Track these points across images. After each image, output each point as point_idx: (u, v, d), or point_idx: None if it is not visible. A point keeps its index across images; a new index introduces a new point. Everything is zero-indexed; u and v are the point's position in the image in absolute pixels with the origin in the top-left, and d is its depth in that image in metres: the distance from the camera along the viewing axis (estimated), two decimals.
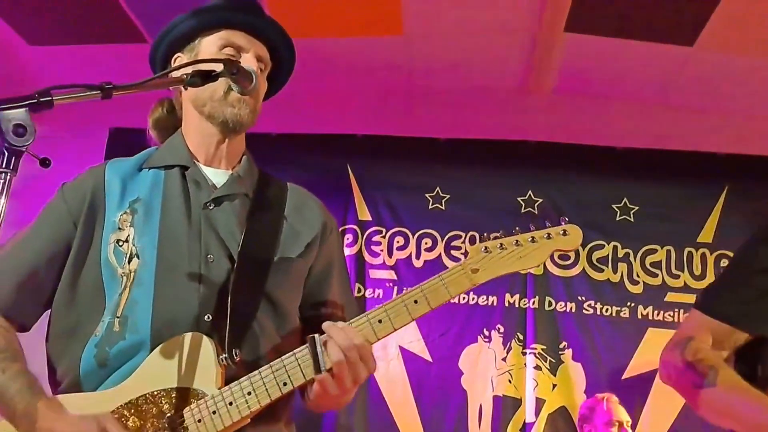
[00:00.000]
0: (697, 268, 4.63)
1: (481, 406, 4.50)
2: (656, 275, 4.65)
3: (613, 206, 4.73)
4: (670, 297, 4.60)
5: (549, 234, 1.60)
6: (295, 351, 1.52)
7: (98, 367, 1.54)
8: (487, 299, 4.65)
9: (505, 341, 4.60)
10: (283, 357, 1.52)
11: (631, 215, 4.73)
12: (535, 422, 4.42)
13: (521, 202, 4.84)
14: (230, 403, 1.47)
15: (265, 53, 1.77)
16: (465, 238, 4.81)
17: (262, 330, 1.61)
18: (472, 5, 4.09)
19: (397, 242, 4.85)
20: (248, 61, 1.68)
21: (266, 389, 1.49)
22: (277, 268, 1.66)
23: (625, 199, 4.74)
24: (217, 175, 1.73)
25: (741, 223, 4.61)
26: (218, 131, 1.72)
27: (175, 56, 1.78)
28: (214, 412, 1.46)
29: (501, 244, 1.56)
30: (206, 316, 1.55)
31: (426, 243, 4.84)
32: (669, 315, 4.56)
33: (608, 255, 4.68)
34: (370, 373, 1.51)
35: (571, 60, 4.52)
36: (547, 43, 4.38)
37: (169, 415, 1.47)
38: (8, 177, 1.17)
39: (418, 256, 4.82)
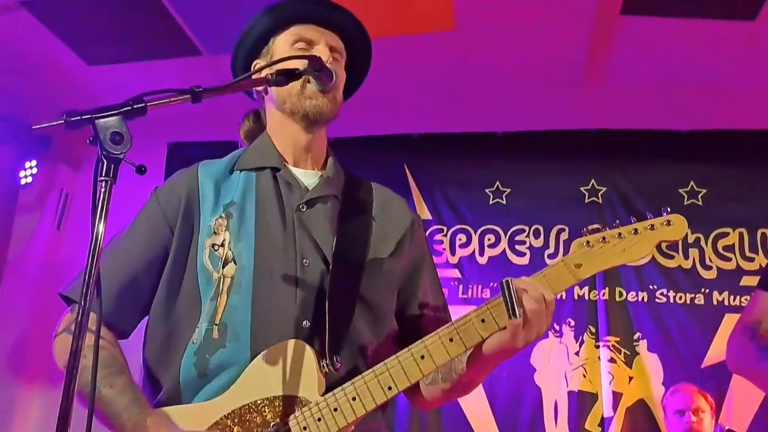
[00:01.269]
0: None
1: (556, 402, 4.42)
2: (730, 259, 4.51)
3: (680, 190, 4.60)
4: (746, 281, 4.44)
5: (652, 225, 1.54)
6: (397, 354, 1.48)
7: (198, 377, 1.52)
8: None
9: (576, 335, 4.50)
10: (385, 361, 1.48)
11: (699, 199, 4.59)
12: (613, 417, 4.31)
13: (584, 191, 4.75)
14: (335, 410, 1.45)
15: (339, 43, 1.75)
16: (529, 231, 4.74)
17: (359, 335, 1.59)
18: None
19: (460, 240, 4.80)
20: (320, 52, 1.66)
21: (371, 393, 1.46)
22: (370, 270, 1.63)
23: (692, 183, 4.60)
24: (308, 177, 1.71)
25: None
26: (301, 127, 1.70)
27: (254, 63, 1.78)
28: (319, 419, 1.45)
29: (603, 238, 1.52)
30: (304, 322, 1.53)
31: (489, 239, 4.78)
32: (746, 299, 4.38)
33: (678, 241, 4.52)
34: (543, 330, 1.46)
35: (629, 44, 4.41)
36: (604, 28, 4.28)
37: (273, 423, 1.45)
38: (108, 185, 1.15)
39: (481, 253, 4.76)
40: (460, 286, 4.69)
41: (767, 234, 4.49)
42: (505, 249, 4.74)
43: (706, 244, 4.52)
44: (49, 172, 5.34)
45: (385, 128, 4.97)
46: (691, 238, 4.53)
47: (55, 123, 1.14)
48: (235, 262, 1.56)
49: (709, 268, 4.50)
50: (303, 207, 1.64)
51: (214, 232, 1.60)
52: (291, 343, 1.50)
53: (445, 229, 4.85)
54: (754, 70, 4.45)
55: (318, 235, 1.62)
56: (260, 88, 1.76)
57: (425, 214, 4.87)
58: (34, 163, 5.14)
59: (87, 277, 1.14)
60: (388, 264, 1.68)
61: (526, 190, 4.81)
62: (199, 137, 5.17)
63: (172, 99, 1.26)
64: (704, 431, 3.86)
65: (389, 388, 1.46)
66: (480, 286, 4.67)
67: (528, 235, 4.74)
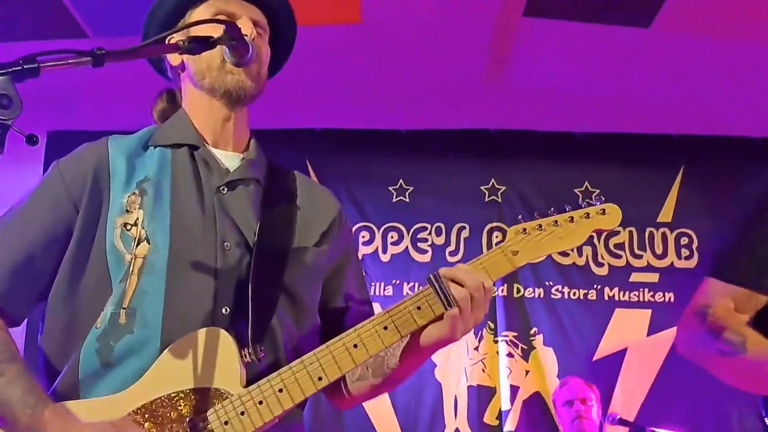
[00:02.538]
0: (658, 247, 4.70)
1: (456, 397, 4.48)
2: (620, 256, 4.71)
3: (575, 191, 4.76)
4: (635, 277, 4.66)
5: (588, 213, 1.57)
6: (327, 343, 1.40)
7: (101, 365, 1.38)
8: None
9: (476, 330, 4.57)
10: (314, 351, 1.40)
11: (593, 199, 4.71)
12: (510, 409, 4.41)
13: (485, 190, 4.84)
14: (260, 402, 1.34)
15: (262, 18, 1.64)
16: (431, 229, 4.78)
17: (282, 325, 1.49)
18: None
19: (363, 237, 4.78)
20: (242, 25, 1.53)
21: (299, 385, 1.37)
22: (294, 258, 1.54)
23: (586, 183, 4.78)
24: (228, 158, 1.60)
25: (698, 202, 4.72)
26: (223, 104, 1.59)
27: (169, 38, 1.54)
28: (242, 413, 1.33)
29: (539, 225, 1.52)
30: (224, 309, 1.43)
31: (392, 237, 4.79)
32: (635, 295, 4.61)
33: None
34: (477, 323, 1.43)
35: (530, 46, 4.52)
36: (506, 28, 4.37)
37: (190, 418, 1.33)
38: None
39: (384, 251, 4.76)
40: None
41: (654, 233, 4.72)
42: (407, 247, 4.76)
43: (599, 242, 4.70)
44: None
45: (287, 122, 4.88)
46: None
47: None
48: (148, 242, 1.44)
49: (601, 264, 4.68)
50: (224, 189, 1.54)
51: (127, 210, 1.47)
52: (208, 330, 1.38)
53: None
54: (646, 77, 4.66)
55: (239, 218, 1.52)
56: (176, 64, 1.64)
57: None
58: None
59: None
60: (313, 254, 1.59)
61: (429, 189, 4.85)
62: (80, 126, 4.92)
63: (70, 61, 1.14)
64: (592, 419, 4.00)
65: (319, 379, 1.38)
66: (382, 284, 4.67)
67: (430, 233, 4.78)
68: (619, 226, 4.64)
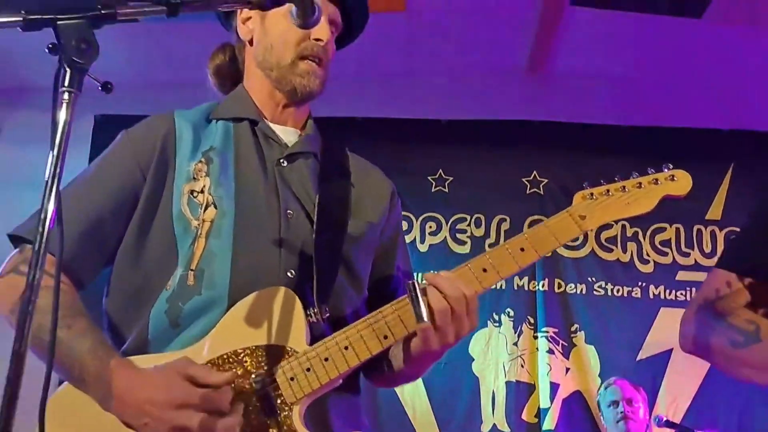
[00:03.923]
0: (707, 246, 4.56)
1: (494, 392, 4.38)
2: (666, 254, 4.57)
3: None
4: (681, 275, 4.52)
5: (656, 179, 1.53)
6: (393, 302, 1.42)
7: (170, 326, 1.40)
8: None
9: (515, 325, 4.48)
10: (380, 309, 1.41)
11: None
12: (550, 407, 4.31)
13: (526, 182, 4.74)
14: (326, 359, 1.36)
15: (338, 17, 1.66)
16: (470, 220, 4.69)
17: (343, 289, 1.53)
18: None
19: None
20: (320, 31, 1.57)
21: (365, 343, 1.38)
22: (351, 231, 1.58)
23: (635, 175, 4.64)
24: (287, 133, 1.65)
25: (748, 199, 4.56)
26: (285, 97, 1.63)
27: (240, 9, 1.67)
28: (308, 369, 1.35)
29: (607, 190, 1.50)
30: (289, 272, 1.45)
31: (430, 227, 4.70)
32: (681, 294, 4.48)
33: (617, 235, 4.58)
34: (472, 328, 1.41)
35: (576, 35, 4.42)
36: (552, 17, 4.27)
37: (256, 373, 1.34)
38: (72, 96, 0.99)
39: (422, 240, 4.68)
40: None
41: (702, 230, 4.58)
42: (446, 237, 4.67)
43: (644, 238, 4.57)
44: None
45: (327, 110, 4.80)
46: (629, 232, 4.58)
47: (12, 20, 0.97)
48: (215, 207, 1.48)
49: (647, 262, 4.56)
50: (283, 162, 1.58)
51: (194, 178, 1.50)
52: (275, 290, 1.40)
53: None
54: (696, 69, 4.53)
55: (299, 190, 1.56)
56: (246, 38, 1.67)
57: None
58: None
59: (45, 205, 0.98)
60: (368, 229, 1.62)
61: (469, 179, 4.75)
62: (127, 110, 4.91)
63: (146, 9, 1.09)
64: (638, 420, 3.89)
65: (385, 337, 1.39)
66: (420, 274, 4.56)
67: (469, 224, 4.69)
68: (665, 222, 4.49)
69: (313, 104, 1.78)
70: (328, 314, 1.43)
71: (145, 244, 1.48)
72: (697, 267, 4.50)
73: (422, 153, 4.81)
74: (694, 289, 4.45)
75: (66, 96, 1.00)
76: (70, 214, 1.39)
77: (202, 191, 1.49)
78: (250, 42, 1.66)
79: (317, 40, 1.58)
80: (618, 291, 4.50)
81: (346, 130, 4.78)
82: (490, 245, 4.60)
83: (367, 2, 1.73)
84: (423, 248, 4.66)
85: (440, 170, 4.80)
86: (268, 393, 1.33)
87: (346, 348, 1.37)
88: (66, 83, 1.00)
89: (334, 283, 1.49)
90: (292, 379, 1.34)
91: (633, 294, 4.49)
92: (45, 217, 0.97)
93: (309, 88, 1.60)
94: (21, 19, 0.97)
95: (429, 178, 4.79)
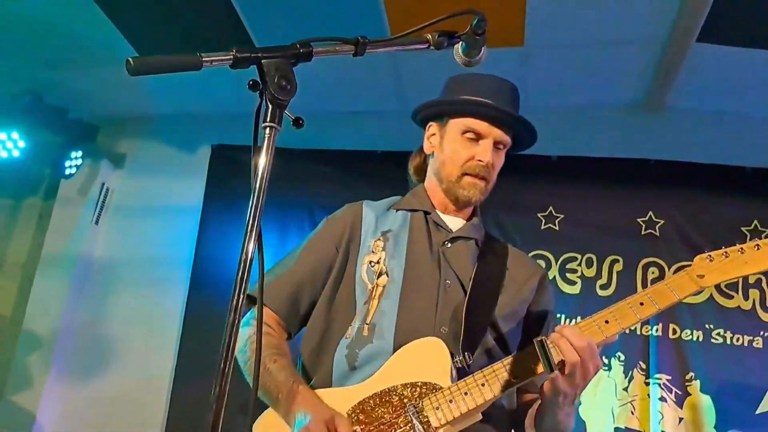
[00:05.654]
0: None
1: None
2: None
3: (743, 229, 4.44)
4: None
5: None
6: (525, 349, 1.71)
7: (348, 368, 1.77)
8: None
9: (626, 370, 4.33)
10: (512, 354, 1.72)
11: (764, 238, 4.41)
12: None
13: (641, 223, 4.60)
14: (465, 393, 1.65)
15: (505, 138, 2.00)
16: (581, 260, 4.59)
17: (488, 349, 1.84)
18: (602, 16, 3.91)
19: None
20: (483, 147, 1.94)
21: (499, 381, 1.66)
22: (501, 302, 1.89)
23: (755, 222, 4.45)
24: (454, 222, 2.02)
25: None
26: (451, 202, 2.03)
27: (429, 125, 2.08)
28: (450, 401, 1.65)
29: (725, 253, 1.72)
30: (442, 329, 1.79)
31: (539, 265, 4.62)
32: None
33: (738, 281, 4.38)
34: (597, 370, 1.67)
35: (700, 73, 4.30)
36: (675, 54, 4.17)
37: (410, 403, 1.66)
38: (273, 133, 1.04)
39: None
40: None
41: None
42: (555, 276, 4.58)
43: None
44: (92, 165, 5.25)
45: None
46: (752, 278, 4.37)
47: (223, 57, 1.03)
48: (387, 275, 1.86)
49: None
50: (447, 244, 1.95)
51: (372, 251, 1.91)
52: (429, 339, 1.73)
53: None
54: None
55: (458, 266, 1.91)
56: (429, 152, 2.08)
57: None
58: (79, 153, 5.05)
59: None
60: (516, 302, 1.94)
61: (580, 218, 4.67)
62: (242, 141, 5.09)
63: (337, 48, 1.15)
64: None
65: (516, 378, 1.66)
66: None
67: (580, 264, 4.59)
68: None
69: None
70: (471, 361, 1.73)
71: (332, 301, 1.89)
72: None
73: (532, 189, 4.76)
74: None
75: (267, 131, 1.05)
76: (285, 280, 1.92)
77: (378, 262, 1.88)
78: (432, 155, 2.06)
79: (479, 160, 1.93)
80: (738, 340, 4.29)
81: None
82: (601, 286, 4.49)
83: (533, 129, 2.04)
84: None
85: (551, 207, 4.73)
86: (418, 419, 1.64)
87: (482, 384, 1.66)
88: (268, 119, 1.04)
89: (480, 339, 1.79)
90: (437, 408, 1.64)
91: (754, 344, 4.26)
92: (246, 255, 1.01)
93: (468, 197, 1.97)
94: (231, 57, 1.03)
95: (539, 215, 4.74)
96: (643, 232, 4.58)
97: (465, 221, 2.03)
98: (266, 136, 1.07)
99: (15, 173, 5.35)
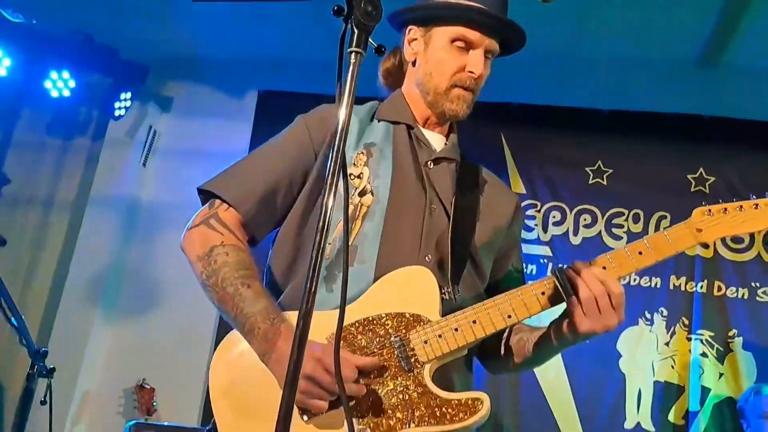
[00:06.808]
0: None
1: (640, 390, 4.27)
2: None
3: None
4: None
5: None
6: (516, 289, 1.63)
7: (326, 291, 1.65)
8: (650, 281, 4.40)
9: (668, 325, 4.34)
10: (505, 294, 1.63)
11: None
12: (699, 411, 4.15)
13: (691, 179, 4.56)
14: (455, 329, 1.59)
15: (495, 47, 1.83)
16: (628, 215, 4.57)
17: (470, 279, 1.76)
18: None
19: (554, 217, 4.65)
20: (474, 58, 1.77)
21: (491, 319, 1.60)
22: (479, 232, 1.81)
23: None
24: (434, 139, 1.89)
25: None
26: (435, 116, 1.87)
27: (409, 29, 1.88)
28: (440, 336, 1.58)
29: (725, 209, 1.64)
30: (427, 257, 1.70)
31: (585, 219, 4.62)
32: None
33: None
34: (620, 322, 1.59)
35: (757, 30, 4.18)
36: (734, 7, 4.06)
37: (396, 334, 1.59)
38: (359, 59, 1.05)
39: (576, 233, 4.60)
40: (550, 264, 4.54)
41: None
42: (601, 231, 4.57)
43: None
44: (140, 107, 5.31)
45: (483, 94, 4.80)
46: None
47: None
48: (372, 194, 1.73)
49: None
50: (430, 164, 1.83)
51: (353, 164, 1.77)
52: (418, 268, 1.65)
53: (538, 204, 4.69)
54: None
55: (441, 189, 1.80)
56: (410, 59, 1.88)
57: (519, 187, 4.72)
58: (128, 95, 5.10)
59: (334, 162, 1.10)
60: (492, 232, 1.85)
61: (629, 173, 4.63)
62: (290, 87, 5.10)
63: None
64: None
65: (509, 317, 1.60)
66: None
67: (627, 219, 4.57)
68: None
69: None
70: (459, 294, 1.68)
71: (308, 215, 1.74)
72: None
73: (581, 143, 4.72)
74: None
75: (353, 57, 1.06)
76: (252, 176, 1.74)
77: (360, 177, 1.75)
78: (413, 62, 1.87)
79: (471, 72, 1.77)
80: None
81: (502, 116, 4.77)
82: None
83: (524, 35, 1.85)
84: (576, 241, 4.59)
85: (599, 161, 4.70)
86: (404, 352, 1.58)
87: (474, 322, 1.60)
88: (353, 44, 1.05)
89: (464, 271, 1.73)
90: (425, 342, 1.58)
91: None
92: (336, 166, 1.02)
93: (456, 112, 1.81)
94: None
95: (587, 169, 4.70)
96: (692, 189, 4.53)
97: (445, 138, 1.90)
98: (351, 62, 1.07)
99: (65, 113, 5.43)
